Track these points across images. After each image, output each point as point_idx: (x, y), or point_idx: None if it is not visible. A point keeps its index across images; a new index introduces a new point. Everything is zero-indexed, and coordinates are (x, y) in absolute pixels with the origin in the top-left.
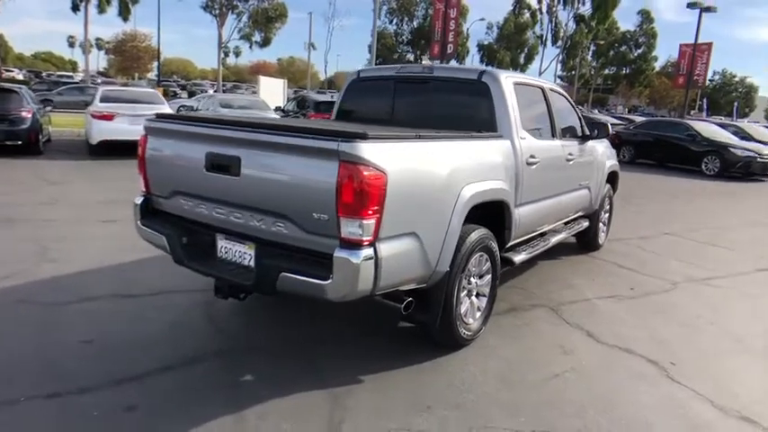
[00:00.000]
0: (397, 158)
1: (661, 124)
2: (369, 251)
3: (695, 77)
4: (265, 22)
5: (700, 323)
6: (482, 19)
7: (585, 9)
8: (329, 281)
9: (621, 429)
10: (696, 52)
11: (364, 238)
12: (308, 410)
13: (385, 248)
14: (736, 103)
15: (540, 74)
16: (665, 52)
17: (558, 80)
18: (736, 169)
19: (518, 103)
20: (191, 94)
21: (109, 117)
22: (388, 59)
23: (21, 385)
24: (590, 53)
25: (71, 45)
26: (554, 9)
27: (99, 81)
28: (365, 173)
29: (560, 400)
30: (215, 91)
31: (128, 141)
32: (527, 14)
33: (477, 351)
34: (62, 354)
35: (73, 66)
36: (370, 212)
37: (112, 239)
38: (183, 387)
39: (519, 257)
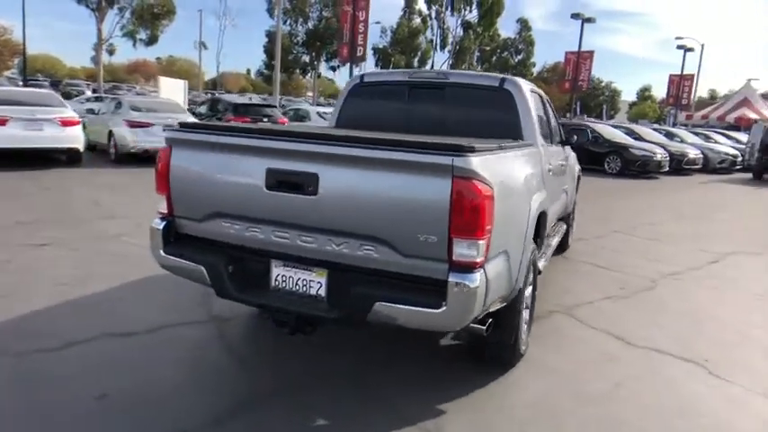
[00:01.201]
0: (497, 171)
1: (565, 127)
2: (481, 273)
3: (579, 83)
4: (151, 19)
5: (699, 317)
6: (377, 22)
7: (472, 16)
8: (442, 309)
9: None
10: (580, 59)
11: (477, 260)
12: None
13: (490, 269)
14: (604, 106)
15: None
16: (540, 59)
17: None
18: (635, 167)
19: (535, 111)
20: (66, 96)
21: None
22: (283, 60)
23: None
24: (475, 59)
25: None
26: (442, 15)
27: None
28: (480, 188)
29: (644, 411)
30: (94, 92)
31: (24, 149)
32: (418, 20)
33: (527, 365)
34: (80, 417)
35: None
36: (484, 231)
37: (59, 267)
38: None
39: (541, 264)
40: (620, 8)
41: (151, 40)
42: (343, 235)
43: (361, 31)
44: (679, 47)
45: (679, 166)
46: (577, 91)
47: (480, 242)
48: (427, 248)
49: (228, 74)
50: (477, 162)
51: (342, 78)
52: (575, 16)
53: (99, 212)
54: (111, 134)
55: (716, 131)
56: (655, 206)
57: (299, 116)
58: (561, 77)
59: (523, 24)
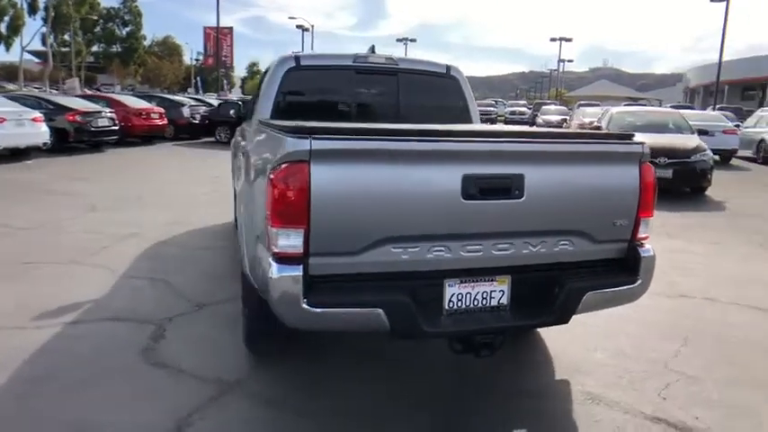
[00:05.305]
0: None
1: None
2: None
3: (224, 58)
4: None
5: None
6: None
7: None
8: (637, 283)
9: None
10: (220, 36)
11: (647, 234)
12: None
13: None
14: (225, 81)
15: (23, 49)
16: (149, 31)
17: (33, 56)
18: None
19: None
20: None
21: None
22: None
23: None
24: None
25: None
26: None
27: None
28: (653, 169)
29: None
30: None
31: None
32: None
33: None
34: None
35: None
36: (654, 209)
37: None
38: None
39: None
40: None
41: None
42: (542, 234)
43: None
44: (297, 26)
45: None
46: (222, 67)
47: (652, 219)
48: (618, 232)
49: None
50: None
51: None
52: None
53: None
54: None
55: None
56: None
57: None
58: (172, 51)
59: None
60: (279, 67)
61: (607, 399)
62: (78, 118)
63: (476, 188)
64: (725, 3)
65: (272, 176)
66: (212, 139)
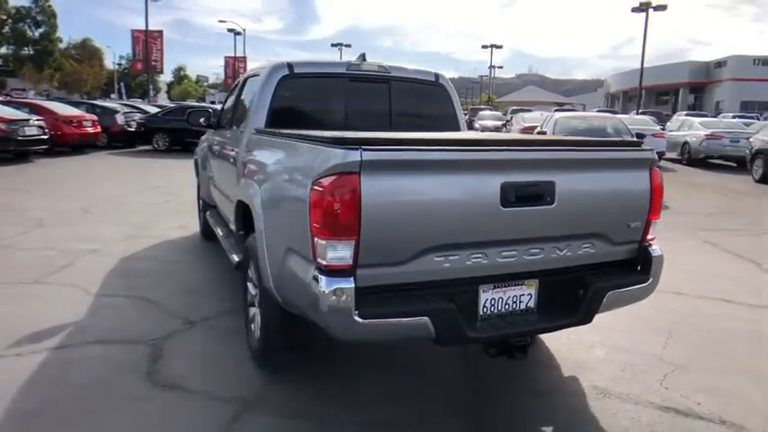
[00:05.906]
0: None
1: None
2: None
3: (153, 63)
4: None
5: None
6: None
7: None
8: (649, 281)
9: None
10: (150, 39)
11: (654, 236)
12: None
13: None
14: (151, 86)
15: None
16: (66, 33)
17: None
18: None
19: None
20: None
21: None
22: None
23: None
24: None
25: None
26: None
27: None
28: (660, 174)
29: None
30: None
31: None
32: None
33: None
34: None
35: None
36: (660, 210)
37: None
38: None
39: None
40: None
41: None
42: (569, 238)
43: None
44: (229, 30)
45: None
46: (153, 72)
47: (658, 220)
48: (631, 233)
49: None
50: None
51: None
52: None
53: None
54: None
55: None
56: None
57: None
58: (92, 55)
59: None
60: (272, 75)
61: (616, 392)
62: (3, 126)
63: (513, 196)
64: (645, 13)
65: (318, 188)
66: (149, 147)
